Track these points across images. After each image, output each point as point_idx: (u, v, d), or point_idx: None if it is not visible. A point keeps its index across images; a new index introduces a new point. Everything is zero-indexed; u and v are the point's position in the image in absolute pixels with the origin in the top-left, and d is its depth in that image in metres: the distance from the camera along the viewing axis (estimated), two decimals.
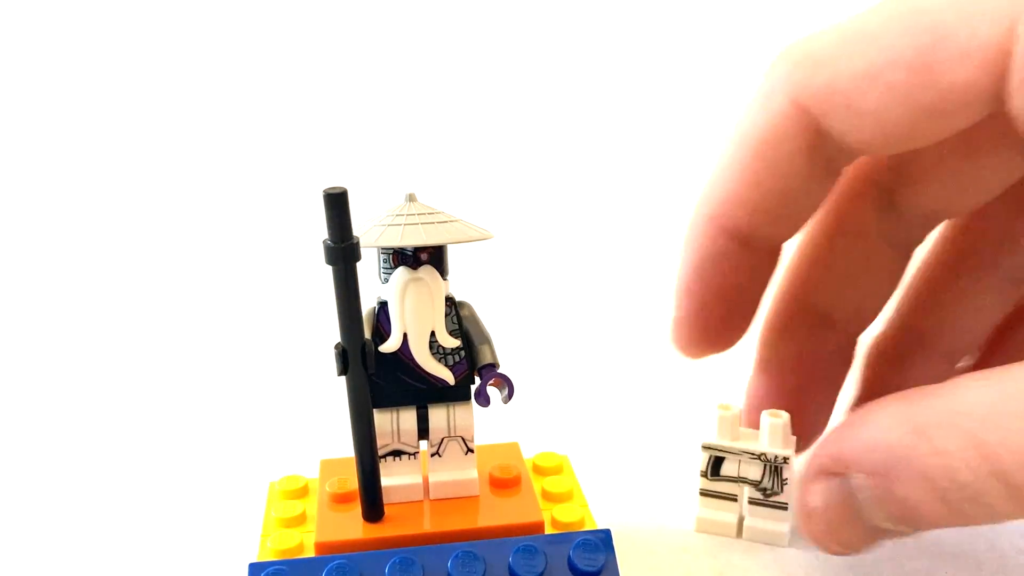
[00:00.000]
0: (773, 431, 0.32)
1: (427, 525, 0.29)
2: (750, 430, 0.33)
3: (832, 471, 0.26)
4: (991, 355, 0.33)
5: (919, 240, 0.32)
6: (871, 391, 0.34)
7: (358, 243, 0.26)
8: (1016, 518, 0.23)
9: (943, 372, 0.33)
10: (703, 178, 0.29)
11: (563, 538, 0.29)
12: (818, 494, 0.26)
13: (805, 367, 0.33)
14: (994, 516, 0.23)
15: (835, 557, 0.32)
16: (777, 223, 0.29)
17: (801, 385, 0.33)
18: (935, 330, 0.33)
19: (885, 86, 0.24)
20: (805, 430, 0.33)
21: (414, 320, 0.29)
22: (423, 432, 0.30)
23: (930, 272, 0.33)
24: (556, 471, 0.33)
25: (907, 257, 0.32)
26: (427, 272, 0.29)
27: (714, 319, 0.30)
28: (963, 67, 0.23)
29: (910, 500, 0.24)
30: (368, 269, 0.29)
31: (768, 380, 0.34)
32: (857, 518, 0.26)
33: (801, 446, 0.33)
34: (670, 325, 0.31)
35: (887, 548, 0.32)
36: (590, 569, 0.28)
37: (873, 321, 0.33)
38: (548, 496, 0.31)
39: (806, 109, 0.26)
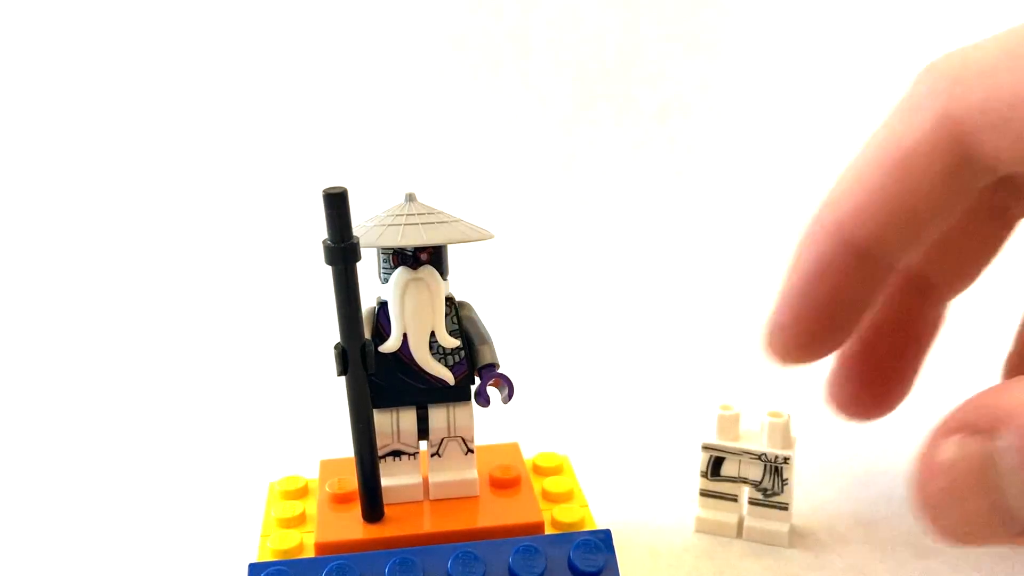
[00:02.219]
0: (773, 431, 0.32)
1: (427, 525, 0.29)
2: (750, 430, 0.33)
3: (976, 426, 0.22)
4: None
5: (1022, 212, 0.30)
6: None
7: (358, 243, 0.26)
8: None
9: None
10: (828, 184, 0.28)
11: (563, 538, 0.29)
12: (951, 448, 0.22)
13: (897, 331, 0.32)
14: None
15: (836, 559, 0.32)
16: (903, 240, 0.27)
17: (891, 349, 0.32)
18: None
19: None
20: (888, 396, 0.33)
21: (414, 320, 0.29)
22: (423, 432, 0.30)
23: None
24: (556, 471, 0.33)
25: (1008, 226, 0.31)
26: (427, 272, 0.29)
27: (817, 329, 0.29)
28: None
29: None
30: (368, 269, 0.29)
31: (859, 345, 0.33)
32: (989, 490, 0.22)
33: (879, 412, 0.33)
34: (768, 329, 0.30)
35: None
36: (590, 569, 0.28)
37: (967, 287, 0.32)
38: (548, 496, 0.31)
39: (957, 125, 0.24)
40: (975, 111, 0.24)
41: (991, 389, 0.23)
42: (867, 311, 0.29)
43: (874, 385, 0.32)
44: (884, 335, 0.32)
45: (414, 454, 0.30)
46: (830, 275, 0.28)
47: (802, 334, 0.29)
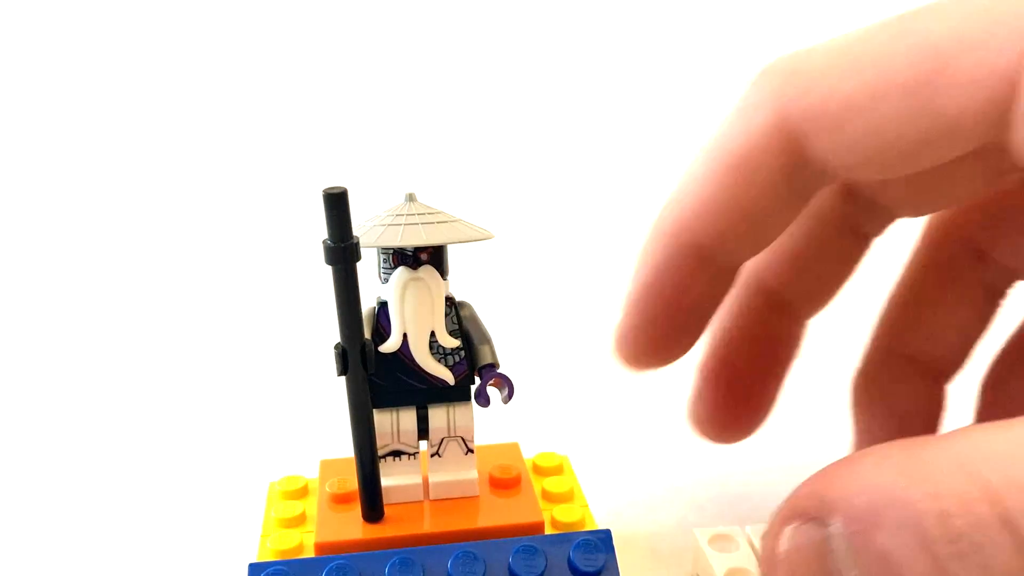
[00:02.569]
0: None
1: (427, 525, 0.29)
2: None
3: (808, 514, 0.23)
4: (990, 406, 0.31)
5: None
6: (864, 430, 0.33)
7: (358, 243, 0.26)
8: None
9: (934, 394, 0.32)
10: (668, 188, 0.28)
11: (563, 538, 0.29)
12: (787, 538, 0.23)
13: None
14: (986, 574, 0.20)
15: None
16: (741, 243, 0.27)
17: (749, 367, 0.32)
18: (917, 350, 0.32)
19: (881, 110, 0.23)
20: (746, 416, 0.33)
21: (414, 320, 0.29)
22: (423, 432, 0.30)
23: (906, 291, 0.32)
24: (556, 471, 0.33)
25: (861, 245, 0.31)
26: (427, 272, 0.29)
27: (661, 334, 0.29)
28: (966, 95, 0.22)
29: (892, 553, 0.20)
30: (368, 269, 0.29)
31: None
32: (826, 573, 0.22)
33: (738, 433, 0.33)
34: (615, 335, 0.30)
35: None
36: (590, 569, 0.28)
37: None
38: (548, 496, 0.31)
39: (791, 127, 0.24)
40: (809, 113, 0.24)
41: (821, 473, 0.23)
42: (712, 314, 0.29)
43: (733, 404, 0.32)
44: (742, 352, 0.32)
45: (414, 454, 0.30)
46: (672, 278, 0.28)
47: (648, 339, 0.29)
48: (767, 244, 0.28)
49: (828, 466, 0.23)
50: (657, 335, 0.29)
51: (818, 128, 0.24)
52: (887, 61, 0.23)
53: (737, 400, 0.32)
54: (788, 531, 0.23)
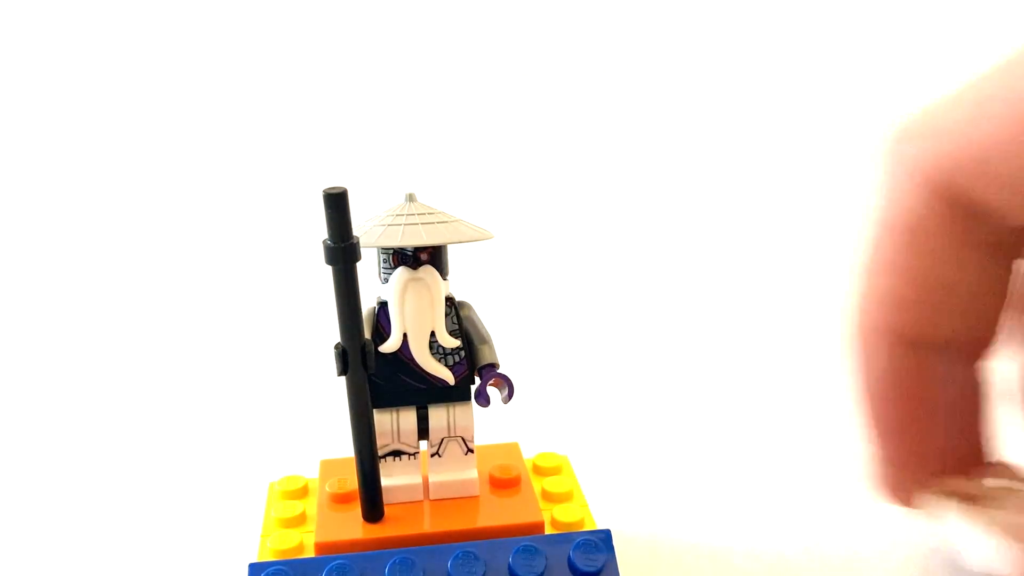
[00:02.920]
0: None
1: (427, 525, 0.29)
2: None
3: None
4: None
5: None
6: None
7: (358, 243, 0.26)
8: None
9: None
10: (853, 293, 0.27)
11: (563, 538, 0.29)
12: None
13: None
14: None
15: (835, 559, 0.32)
16: (952, 321, 0.25)
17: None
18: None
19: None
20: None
21: (414, 320, 0.29)
22: (423, 432, 0.30)
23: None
24: (556, 471, 0.33)
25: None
26: (427, 272, 0.29)
27: (926, 444, 0.26)
28: None
29: None
30: (368, 269, 0.29)
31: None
32: None
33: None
34: (878, 471, 0.27)
35: None
36: (590, 569, 0.28)
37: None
38: (548, 496, 0.31)
39: (949, 185, 0.24)
40: (965, 166, 0.23)
41: None
42: (977, 413, 0.27)
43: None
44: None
45: (414, 454, 0.30)
46: (897, 380, 0.26)
47: (913, 459, 0.27)
48: (990, 320, 0.26)
49: None
50: (922, 446, 0.26)
51: (977, 177, 0.23)
52: (1016, 100, 0.22)
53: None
54: None
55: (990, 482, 0.27)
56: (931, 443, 0.27)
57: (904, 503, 0.28)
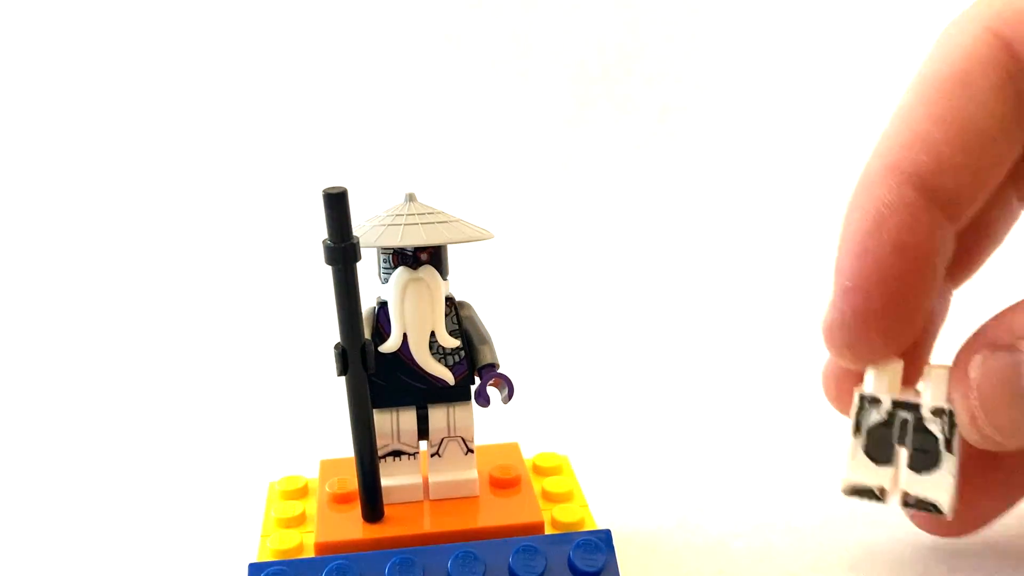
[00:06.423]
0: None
1: (427, 525, 0.29)
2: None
3: (999, 343, 0.24)
4: None
5: None
6: None
7: (358, 243, 0.26)
8: None
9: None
10: (880, 129, 0.26)
11: (563, 538, 0.29)
12: (977, 366, 0.24)
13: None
14: None
15: (835, 558, 0.32)
16: (965, 175, 0.25)
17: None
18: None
19: None
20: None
21: (414, 320, 0.29)
22: (423, 432, 0.30)
23: None
24: (556, 471, 0.33)
25: None
26: (427, 272, 0.29)
27: (892, 288, 0.25)
28: None
29: None
30: (368, 269, 0.29)
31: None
32: (1017, 395, 0.23)
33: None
34: (830, 311, 0.26)
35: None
36: (590, 569, 0.28)
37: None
38: (548, 496, 0.31)
39: (1004, 37, 0.24)
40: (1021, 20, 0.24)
41: (1008, 309, 0.24)
42: (936, 280, 0.26)
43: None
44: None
45: (414, 454, 0.30)
46: (894, 218, 0.25)
47: (875, 302, 0.25)
48: (993, 179, 0.26)
49: (1016, 303, 0.25)
50: (887, 291, 0.25)
51: None
52: None
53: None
54: (978, 359, 0.24)
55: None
56: (895, 308, 0.26)
57: (851, 352, 0.26)
